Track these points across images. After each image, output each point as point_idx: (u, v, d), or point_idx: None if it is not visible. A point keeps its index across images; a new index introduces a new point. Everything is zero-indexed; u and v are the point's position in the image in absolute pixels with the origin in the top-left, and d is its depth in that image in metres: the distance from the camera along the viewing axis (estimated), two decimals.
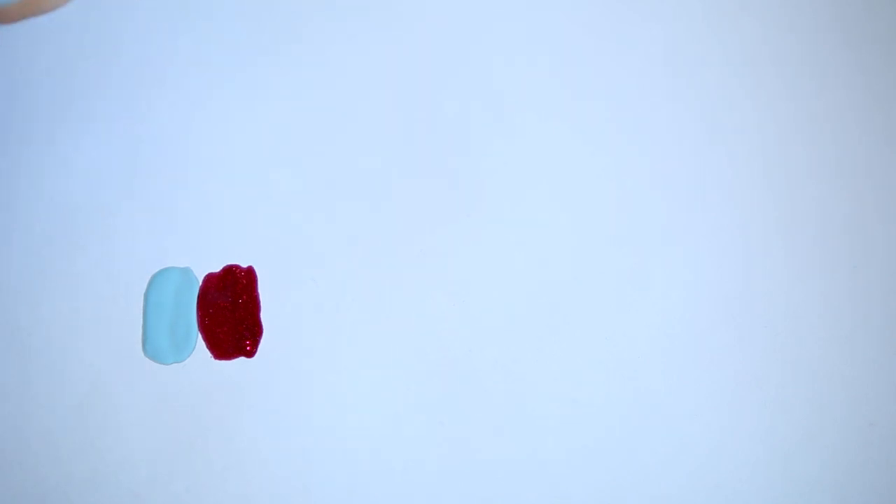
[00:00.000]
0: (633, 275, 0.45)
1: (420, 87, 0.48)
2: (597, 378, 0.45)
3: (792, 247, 0.45)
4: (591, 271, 0.46)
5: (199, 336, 0.46)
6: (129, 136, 0.48)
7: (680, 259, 0.46)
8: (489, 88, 0.48)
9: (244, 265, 0.47)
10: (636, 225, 0.46)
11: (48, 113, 0.48)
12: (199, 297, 0.46)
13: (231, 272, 0.46)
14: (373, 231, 0.47)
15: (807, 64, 0.48)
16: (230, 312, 0.46)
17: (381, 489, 0.44)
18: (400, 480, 0.44)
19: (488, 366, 0.45)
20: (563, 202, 0.47)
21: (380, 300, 0.46)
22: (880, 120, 0.47)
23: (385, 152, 0.47)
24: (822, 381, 0.44)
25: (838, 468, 0.43)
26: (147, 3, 0.49)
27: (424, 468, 0.44)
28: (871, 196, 0.46)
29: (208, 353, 0.46)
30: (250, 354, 0.45)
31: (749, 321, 0.45)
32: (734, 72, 0.48)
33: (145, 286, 0.46)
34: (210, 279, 0.46)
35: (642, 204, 0.46)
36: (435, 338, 0.45)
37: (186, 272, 0.46)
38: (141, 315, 0.46)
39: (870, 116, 0.47)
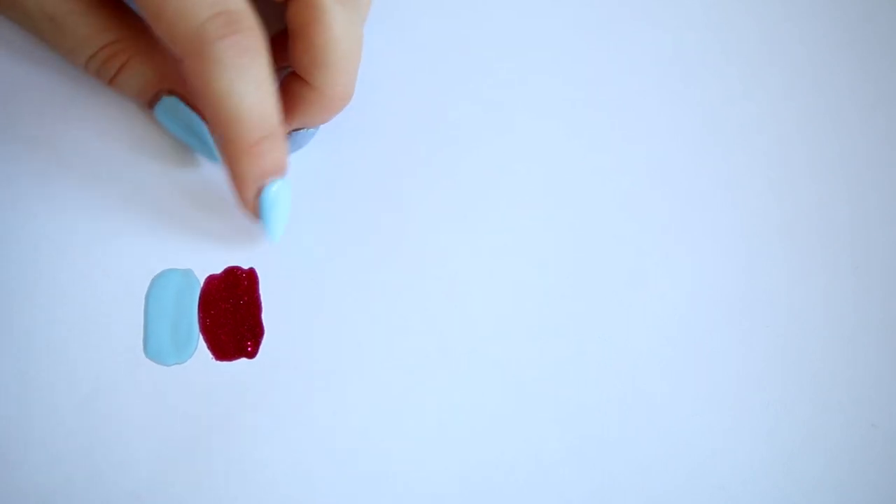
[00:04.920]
0: (633, 275, 0.46)
1: (419, 85, 0.48)
2: (597, 378, 0.45)
3: (793, 247, 0.46)
4: (592, 272, 0.46)
5: (201, 337, 0.46)
6: (130, 136, 0.48)
7: (681, 260, 0.46)
8: (488, 87, 0.48)
9: (246, 267, 0.47)
10: (637, 225, 0.46)
11: (49, 113, 0.48)
12: (200, 298, 0.46)
13: (233, 274, 0.46)
14: (373, 232, 0.47)
15: (808, 64, 0.48)
16: (231, 314, 0.46)
17: (384, 489, 0.44)
18: (403, 480, 0.44)
19: (490, 366, 0.45)
20: (564, 202, 0.47)
21: (381, 301, 0.46)
22: (882, 119, 0.47)
23: (385, 152, 0.48)
24: (824, 383, 0.44)
25: (840, 469, 0.43)
26: None
27: (426, 468, 0.44)
28: (872, 196, 0.46)
29: (210, 355, 0.46)
30: (251, 355, 0.45)
31: (750, 322, 0.45)
32: (735, 70, 0.48)
33: (146, 288, 0.46)
34: (211, 281, 0.46)
35: (643, 204, 0.46)
36: (436, 338, 0.45)
37: (188, 274, 0.46)
38: (142, 316, 0.46)
39: (871, 116, 0.47)
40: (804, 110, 0.47)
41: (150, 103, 0.45)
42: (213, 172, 0.47)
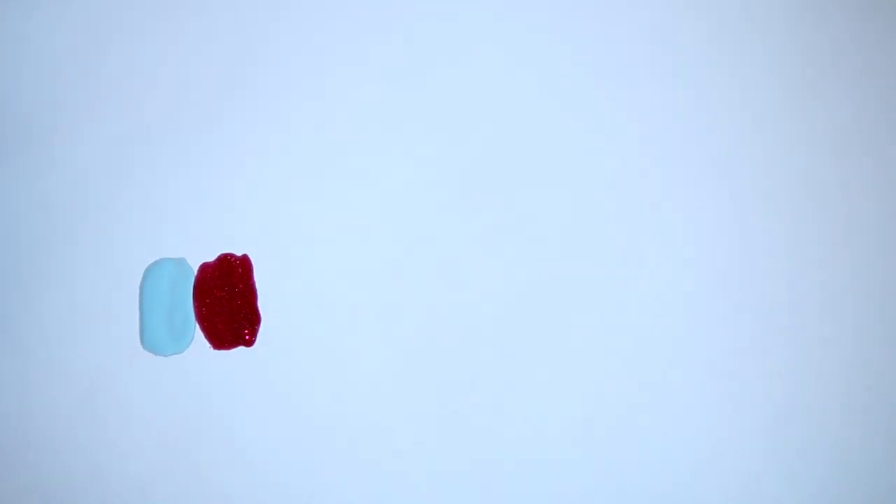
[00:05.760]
0: (634, 275, 0.45)
1: (414, 78, 0.48)
2: (597, 379, 0.45)
3: (790, 243, 0.45)
4: (594, 272, 0.45)
5: (198, 327, 0.45)
6: (122, 129, 0.47)
7: (681, 260, 0.45)
8: (482, 81, 0.48)
9: (239, 254, 0.46)
10: (636, 223, 0.46)
11: (42, 111, 0.48)
12: (195, 287, 0.46)
13: (226, 261, 0.46)
14: (368, 216, 0.46)
15: (799, 50, 0.48)
16: (227, 302, 0.45)
17: (382, 476, 0.44)
18: (400, 468, 0.44)
19: (487, 356, 0.45)
20: (564, 198, 0.46)
21: (378, 287, 0.46)
22: (875, 106, 0.47)
23: (380, 141, 0.47)
24: (819, 349, 0.45)
25: (837, 430, 0.44)
26: (138, 1, 0.49)
27: (425, 455, 0.44)
28: (868, 190, 0.46)
29: (207, 344, 0.45)
30: (249, 343, 0.45)
31: (748, 317, 0.45)
32: (725, 58, 0.47)
33: (140, 278, 0.46)
34: (205, 269, 0.46)
35: (643, 205, 0.46)
36: (433, 323, 0.45)
37: (181, 262, 0.46)
38: (137, 308, 0.46)
39: (866, 110, 0.47)
40: (794, 92, 0.46)
41: None
42: (202, 162, 0.47)
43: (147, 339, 0.45)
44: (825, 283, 0.45)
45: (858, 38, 0.47)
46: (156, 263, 0.46)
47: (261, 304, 0.46)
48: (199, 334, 0.45)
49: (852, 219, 0.46)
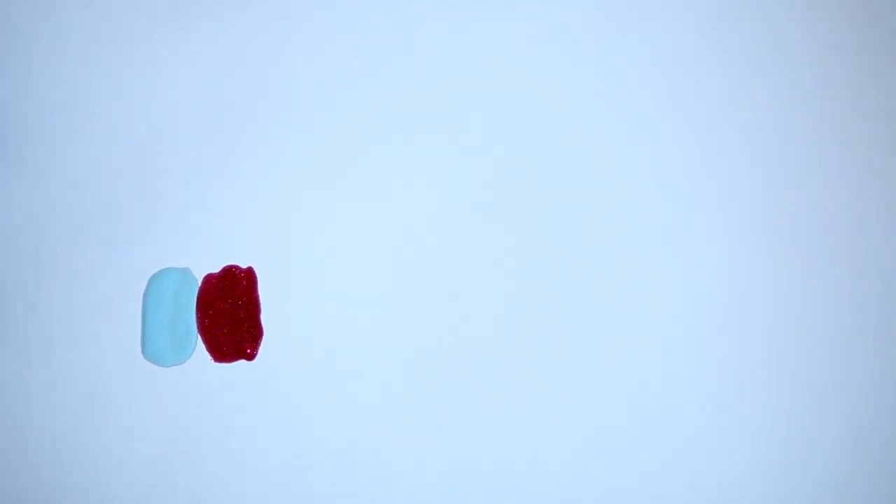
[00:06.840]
0: (634, 278, 0.45)
1: (420, 84, 0.47)
2: (598, 380, 0.45)
3: (793, 250, 0.45)
4: (594, 274, 0.45)
5: (199, 338, 0.45)
6: (129, 137, 0.47)
7: (681, 262, 0.45)
8: (490, 87, 0.47)
9: (244, 266, 0.46)
10: (638, 228, 0.46)
11: (49, 116, 0.47)
12: (198, 298, 0.45)
13: (231, 273, 0.46)
14: (374, 231, 0.46)
15: (808, 66, 0.47)
16: (230, 314, 0.45)
17: (381, 491, 0.44)
18: (401, 483, 0.44)
19: (490, 368, 0.45)
20: (567, 204, 0.46)
21: (382, 302, 0.46)
22: (882, 121, 0.47)
23: (386, 153, 0.47)
24: (823, 385, 0.44)
25: (838, 471, 0.44)
26: (144, 4, 0.48)
27: (425, 471, 0.44)
28: (872, 199, 0.46)
29: (208, 356, 0.45)
30: (251, 358, 0.45)
31: (750, 324, 0.45)
32: (736, 73, 0.47)
33: (144, 287, 0.46)
34: (209, 280, 0.46)
35: (645, 208, 0.46)
36: (437, 339, 0.45)
37: (185, 273, 0.46)
38: (139, 316, 0.46)
39: (871, 117, 0.47)
40: (805, 112, 0.46)
41: None
42: (210, 173, 0.47)
43: (148, 349, 0.45)
44: (832, 320, 0.45)
45: (883, 67, 0.47)
46: (160, 272, 0.46)
47: (264, 317, 0.45)
48: (200, 346, 0.45)
49: (862, 257, 0.45)
